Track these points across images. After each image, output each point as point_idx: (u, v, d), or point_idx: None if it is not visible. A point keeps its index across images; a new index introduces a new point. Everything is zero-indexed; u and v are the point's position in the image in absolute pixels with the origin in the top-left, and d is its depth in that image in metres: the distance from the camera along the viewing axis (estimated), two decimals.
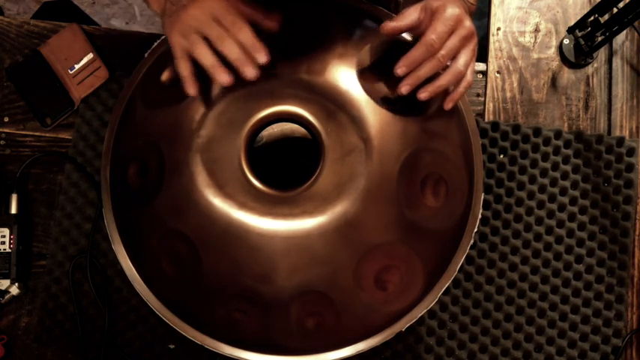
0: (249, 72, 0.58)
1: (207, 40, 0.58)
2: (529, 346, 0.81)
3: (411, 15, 0.61)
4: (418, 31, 0.61)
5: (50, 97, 0.88)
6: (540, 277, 0.83)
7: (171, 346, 0.82)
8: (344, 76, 0.65)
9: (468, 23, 0.60)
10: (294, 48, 0.66)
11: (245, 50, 0.58)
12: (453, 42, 0.59)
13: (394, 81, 0.63)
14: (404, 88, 0.60)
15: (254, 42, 0.58)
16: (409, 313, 0.65)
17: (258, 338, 0.65)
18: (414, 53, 0.59)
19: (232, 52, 0.58)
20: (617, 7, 0.80)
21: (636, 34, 0.90)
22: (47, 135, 0.88)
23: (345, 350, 0.65)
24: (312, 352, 0.65)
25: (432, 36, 0.58)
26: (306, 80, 0.65)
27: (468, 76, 0.62)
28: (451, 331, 0.82)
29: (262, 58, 0.58)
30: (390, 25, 0.61)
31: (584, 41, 0.86)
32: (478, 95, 0.88)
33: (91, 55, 0.88)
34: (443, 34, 0.59)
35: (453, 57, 0.60)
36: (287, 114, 0.65)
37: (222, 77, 0.58)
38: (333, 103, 0.64)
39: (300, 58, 0.65)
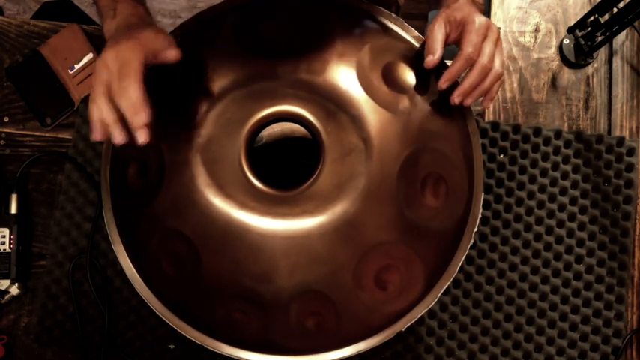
0: (140, 136, 0.56)
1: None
2: (529, 346, 0.81)
3: (438, 34, 0.64)
4: (447, 43, 0.65)
5: (50, 97, 0.88)
6: (540, 277, 0.83)
7: (171, 346, 0.82)
8: (344, 76, 0.65)
9: (494, 27, 0.64)
10: (294, 48, 0.66)
11: (129, 111, 0.56)
12: (489, 48, 0.63)
13: (395, 81, 0.63)
14: (457, 99, 0.64)
15: (135, 102, 0.55)
16: (409, 313, 0.65)
17: (258, 338, 0.65)
18: (455, 68, 0.63)
19: (125, 111, 0.56)
20: (617, 7, 0.80)
21: (636, 34, 0.90)
22: (47, 135, 0.88)
23: (345, 350, 0.65)
24: (312, 352, 0.65)
25: (469, 49, 0.63)
26: (306, 80, 0.65)
27: (503, 74, 0.66)
28: (451, 331, 0.82)
29: (140, 120, 0.55)
30: (432, 60, 0.64)
31: (584, 41, 0.86)
32: None
33: (91, 55, 0.88)
34: (479, 44, 0.63)
35: (493, 60, 0.64)
36: (287, 114, 0.65)
37: (96, 135, 0.57)
38: (333, 103, 0.64)
39: (300, 58, 0.65)
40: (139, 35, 0.59)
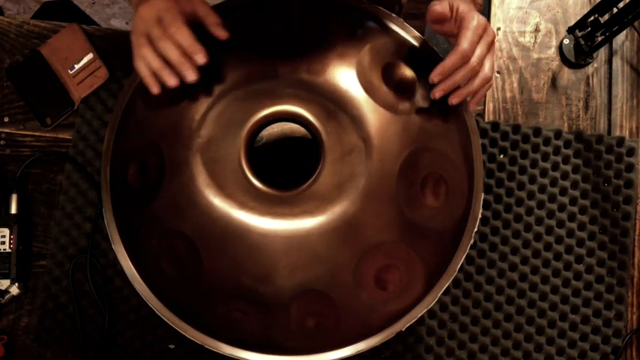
0: (189, 75, 0.60)
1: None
2: (529, 346, 0.81)
3: (440, 6, 0.64)
4: (442, 25, 0.65)
5: (50, 97, 0.88)
6: (540, 277, 0.83)
7: (172, 346, 0.82)
8: (344, 76, 0.65)
9: (490, 29, 0.64)
10: (295, 48, 0.66)
11: (183, 52, 0.59)
12: (482, 50, 0.63)
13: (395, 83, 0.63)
14: (437, 94, 0.64)
15: (190, 43, 0.59)
16: (409, 312, 0.65)
17: (258, 338, 0.65)
18: (450, 62, 0.62)
19: (170, 54, 0.59)
20: (617, 7, 0.80)
21: (636, 34, 0.90)
22: (47, 135, 0.88)
23: (345, 350, 0.65)
24: (312, 352, 0.65)
25: (465, 45, 0.61)
26: (306, 80, 0.65)
27: (492, 79, 0.66)
28: (451, 331, 0.82)
29: (200, 59, 0.59)
30: (437, 9, 0.63)
31: (584, 41, 0.86)
32: None
33: (91, 55, 0.88)
34: (474, 43, 0.62)
35: (482, 63, 0.64)
36: (287, 114, 0.65)
37: (153, 88, 0.61)
38: (333, 103, 0.64)
39: (301, 58, 0.65)
40: None
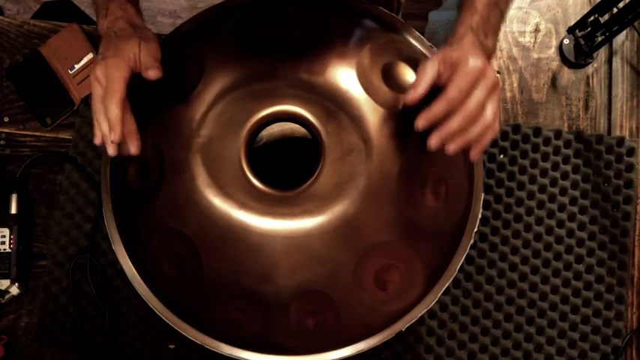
0: (108, 149, 0.61)
1: None
2: (529, 346, 0.81)
3: (428, 73, 0.58)
4: (439, 83, 0.59)
5: (50, 97, 0.88)
6: (540, 277, 0.83)
7: (171, 346, 0.82)
8: (344, 76, 0.65)
9: (491, 74, 0.58)
10: (294, 48, 0.66)
11: (110, 126, 0.61)
12: (479, 95, 0.57)
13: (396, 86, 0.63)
14: (433, 143, 0.58)
15: (112, 121, 0.60)
16: (409, 313, 0.65)
17: (258, 338, 0.65)
18: (436, 109, 0.57)
19: (100, 125, 0.61)
20: (617, 7, 0.80)
21: (636, 34, 0.90)
22: (47, 135, 0.88)
23: (345, 350, 0.65)
24: (312, 352, 0.65)
25: (453, 93, 0.57)
26: (306, 80, 0.65)
27: (495, 126, 0.60)
28: (451, 331, 0.82)
29: (113, 137, 0.61)
30: (411, 96, 0.58)
31: (584, 41, 0.86)
32: None
33: (91, 55, 0.88)
34: (465, 89, 0.57)
35: (482, 109, 0.58)
36: (287, 114, 0.65)
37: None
38: (333, 103, 0.64)
39: (300, 58, 0.65)
40: (124, 48, 0.62)
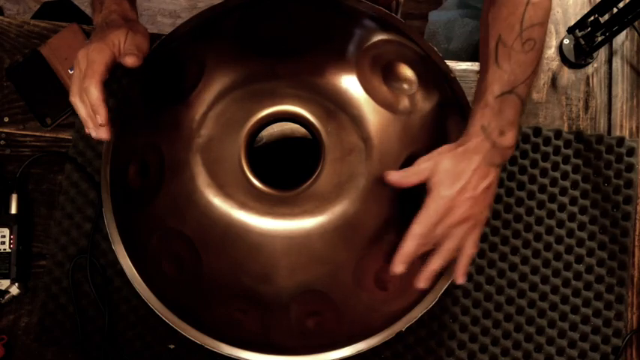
0: (92, 132, 0.61)
1: None
2: (529, 346, 0.81)
3: (415, 175, 0.58)
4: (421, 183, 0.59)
5: (50, 97, 0.88)
6: (540, 277, 0.83)
7: (171, 346, 0.82)
8: (344, 76, 0.65)
9: (460, 210, 0.56)
10: (295, 48, 0.66)
11: (92, 109, 0.60)
12: (439, 232, 0.57)
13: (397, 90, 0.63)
14: (422, 284, 0.58)
15: (94, 102, 0.59)
16: (409, 313, 0.65)
17: (258, 338, 0.65)
18: (407, 249, 0.57)
19: (79, 110, 0.60)
20: (617, 7, 0.80)
21: (636, 34, 0.90)
22: (47, 135, 0.88)
23: (345, 350, 0.65)
24: (312, 352, 0.65)
25: (418, 230, 0.56)
26: (306, 80, 0.65)
27: (469, 250, 0.59)
28: (451, 331, 0.82)
29: (100, 119, 0.60)
30: (394, 178, 0.58)
31: (584, 41, 0.86)
32: None
33: None
34: (431, 226, 0.56)
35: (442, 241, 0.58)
36: (287, 114, 0.65)
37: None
38: (333, 103, 0.64)
39: (301, 58, 0.65)
40: (110, 35, 0.62)
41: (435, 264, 0.58)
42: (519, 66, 0.57)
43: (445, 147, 0.58)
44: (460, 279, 0.59)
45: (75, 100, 0.60)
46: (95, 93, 0.59)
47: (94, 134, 0.60)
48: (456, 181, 0.56)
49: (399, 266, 0.57)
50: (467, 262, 0.59)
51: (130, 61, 0.61)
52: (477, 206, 0.57)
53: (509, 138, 0.58)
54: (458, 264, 0.59)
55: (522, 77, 0.57)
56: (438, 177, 0.56)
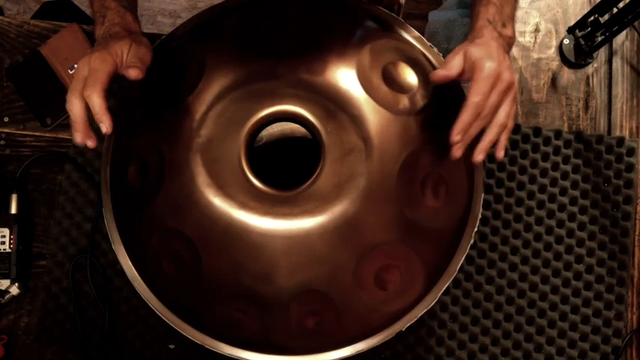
0: (88, 142, 0.60)
1: None
2: (529, 346, 0.81)
3: (456, 65, 0.62)
4: (460, 78, 0.63)
5: (50, 97, 0.88)
6: (540, 277, 0.83)
7: (171, 346, 0.82)
8: (344, 76, 0.65)
9: (506, 75, 0.61)
10: (295, 48, 0.66)
11: (95, 117, 0.59)
12: (493, 99, 0.61)
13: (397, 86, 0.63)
14: (459, 153, 0.62)
15: (97, 111, 0.59)
16: (409, 313, 0.65)
17: (258, 338, 0.65)
18: (465, 118, 0.61)
19: (74, 112, 0.59)
20: (617, 7, 0.80)
21: (636, 34, 0.90)
22: (47, 135, 0.88)
23: (345, 350, 0.65)
24: (312, 352, 0.65)
25: (476, 99, 0.60)
26: (306, 80, 0.65)
27: (509, 124, 0.64)
28: (451, 331, 0.82)
29: (104, 129, 0.59)
30: (441, 73, 0.62)
31: (584, 41, 0.86)
32: None
33: None
34: (486, 94, 0.61)
35: (496, 112, 0.62)
36: (287, 114, 0.65)
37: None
38: (333, 103, 0.64)
39: (301, 58, 0.65)
40: (114, 46, 0.61)
41: (490, 134, 0.62)
42: None
43: (461, 45, 0.63)
44: (501, 152, 0.64)
45: (70, 101, 0.59)
46: (98, 101, 0.58)
47: (79, 140, 0.59)
48: (491, 56, 0.61)
49: (457, 136, 0.61)
50: (508, 135, 0.64)
51: (133, 73, 0.61)
52: (513, 74, 0.63)
53: (510, 29, 0.66)
54: (501, 138, 0.63)
55: None
56: (475, 57, 0.61)
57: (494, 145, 0.63)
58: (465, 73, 0.63)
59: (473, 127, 0.62)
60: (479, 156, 0.63)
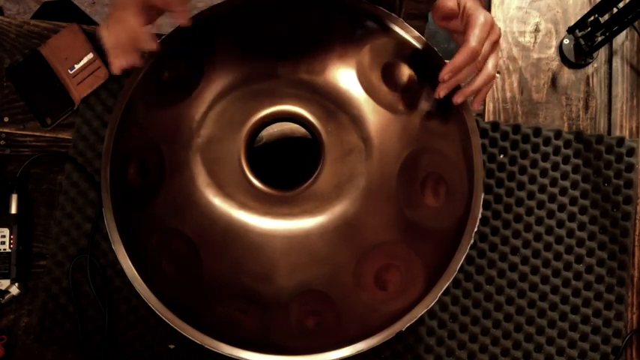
0: (134, 61, 0.59)
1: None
2: (529, 346, 0.81)
3: (450, 3, 0.64)
4: (449, 22, 0.65)
5: (50, 97, 0.88)
6: (540, 277, 0.83)
7: (171, 346, 0.82)
8: (344, 76, 0.65)
9: (497, 27, 0.63)
10: (295, 48, 0.66)
11: (133, 37, 0.58)
12: (487, 48, 0.62)
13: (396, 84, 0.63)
14: (442, 92, 0.64)
15: (137, 32, 0.58)
16: (409, 313, 0.65)
17: (258, 338, 0.65)
18: (459, 60, 0.62)
19: (120, 37, 0.58)
20: (617, 7, 0.80)
21: (636, 34, 0.90)
22: (47, 135, 0.88)
23: (345, 350, 0.65)
24: (312, 352, 0.65)
25: (473, 43, 0.61)
26: (306, 80, 0.65)
27: (493, 75, 0.65)
28: (451, 331, 0.82)
29: (148, 45, 0.59)
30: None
31: (584, 41, 0.86)
32: None
33: (91, 55, 0.88)
34: (482, 41, 0.62)
35: (485, 61, 0.63)
36: (287, 114, 0.65)
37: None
38: (333, 103, 0.64)
39: (300, 58, 0.65)
40: None
41: (478, 82, 0.64)
42: None
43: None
44: (478, 105, 0.66)
45: (103, 28, 0.57)
46: (133, 19, 0.57)
47: (118, 64, 0.58)
48: (484, 8, 0.63)
49: (446, 75, 0.62)
50: (489, 89, 0.66)
51: (181, 16, 0.60)
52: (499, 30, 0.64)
53: None
54: (483, 89, 0.65)
55: None
56: (469, 6, 0.63)
57: (474, 95, 0.65)
58: (456, 20, 0.64)
59: (463, 71, 0.62)
60: (459, 98, 0.64)
